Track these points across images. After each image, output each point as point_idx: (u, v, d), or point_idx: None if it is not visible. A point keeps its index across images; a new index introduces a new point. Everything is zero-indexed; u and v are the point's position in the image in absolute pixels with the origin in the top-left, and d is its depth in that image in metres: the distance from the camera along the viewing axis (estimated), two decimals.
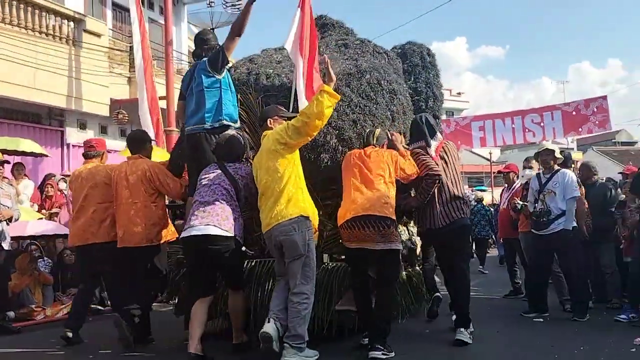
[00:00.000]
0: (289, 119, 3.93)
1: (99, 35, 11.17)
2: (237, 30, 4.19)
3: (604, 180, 7.12)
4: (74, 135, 11.12)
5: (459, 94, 40.15)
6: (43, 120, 10.81)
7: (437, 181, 4.35)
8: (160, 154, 6.51)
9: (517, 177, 7.33)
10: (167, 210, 4.87)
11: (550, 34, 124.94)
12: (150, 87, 9.80)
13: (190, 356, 3.73)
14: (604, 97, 17.15)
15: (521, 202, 6.06)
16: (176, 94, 11.22)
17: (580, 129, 17.17)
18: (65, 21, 10.61)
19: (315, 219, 3.91)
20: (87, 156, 5.09)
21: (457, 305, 4.62)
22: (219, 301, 4.31)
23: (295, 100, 4.46)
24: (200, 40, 4.48)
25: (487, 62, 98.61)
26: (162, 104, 10.13)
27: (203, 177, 4.01)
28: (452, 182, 4.51)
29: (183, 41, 15.17)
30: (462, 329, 4.37)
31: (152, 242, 4.47)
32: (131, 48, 11.01)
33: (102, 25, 11.57)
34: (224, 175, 3.96)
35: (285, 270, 3.84)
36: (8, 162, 6.91)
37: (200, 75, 4.22)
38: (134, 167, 4.54)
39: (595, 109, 16.81)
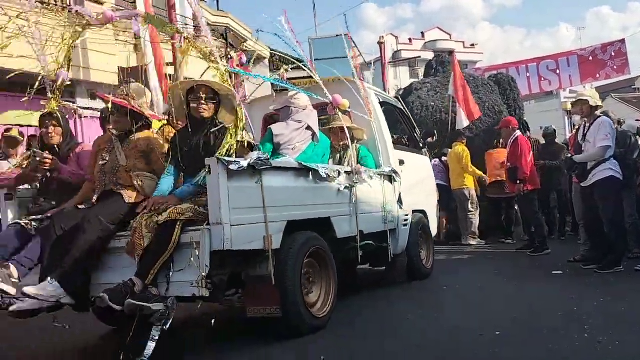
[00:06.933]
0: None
1: (101, 3, 10.97)
2: None
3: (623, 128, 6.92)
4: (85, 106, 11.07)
5: (473, 45, 39.21)
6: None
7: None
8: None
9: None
10: None
11: None
12: (158, 54, 9.66)
13: None
14: (622, 41, 16.53)
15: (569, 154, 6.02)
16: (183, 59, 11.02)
17: (597, 75, 16.65)
18: None
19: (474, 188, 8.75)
20: None
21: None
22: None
23: (453, 122, 9.43)
24: None
25: (504, 11, 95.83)
26: (170, 69, 10.01)
27: None
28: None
29: (186, 5, 14.85)
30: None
31: None
32: None
33: None
34: None
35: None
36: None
37: None
38: None
39: (612, 54, 16.24)
